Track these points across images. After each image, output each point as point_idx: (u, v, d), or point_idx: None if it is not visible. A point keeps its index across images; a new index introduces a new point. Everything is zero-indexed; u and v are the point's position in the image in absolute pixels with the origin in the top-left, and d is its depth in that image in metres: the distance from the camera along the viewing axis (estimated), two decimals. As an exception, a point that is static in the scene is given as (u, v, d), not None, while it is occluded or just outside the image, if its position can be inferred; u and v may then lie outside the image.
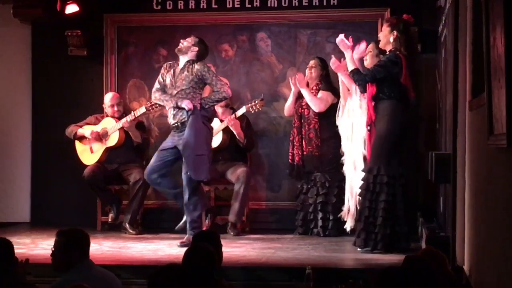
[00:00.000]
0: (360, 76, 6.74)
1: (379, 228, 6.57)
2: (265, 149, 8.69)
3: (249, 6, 8.69)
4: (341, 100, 7.59)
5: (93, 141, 8.26)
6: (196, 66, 7.30)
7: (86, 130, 8.30)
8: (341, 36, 7.06)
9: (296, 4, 8.62)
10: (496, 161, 3.99)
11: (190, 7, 8.79)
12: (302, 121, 8.03)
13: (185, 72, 7.29)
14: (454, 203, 5.76)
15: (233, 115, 8.16)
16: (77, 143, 8.36)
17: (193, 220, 7.30)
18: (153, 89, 7.45)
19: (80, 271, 4.33)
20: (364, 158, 7.15)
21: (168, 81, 7.36)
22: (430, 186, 7.66)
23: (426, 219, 7.26)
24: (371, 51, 7.22)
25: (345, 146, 7.50)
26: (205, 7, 8.76)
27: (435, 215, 7.47)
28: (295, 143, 8.05)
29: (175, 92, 7.29)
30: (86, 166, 8.24)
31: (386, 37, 6.78)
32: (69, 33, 8.75)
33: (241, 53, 8.79)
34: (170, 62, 7.50)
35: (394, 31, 6.72)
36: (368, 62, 7.18)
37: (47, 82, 8.98)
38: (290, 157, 8.09)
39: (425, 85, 8.38)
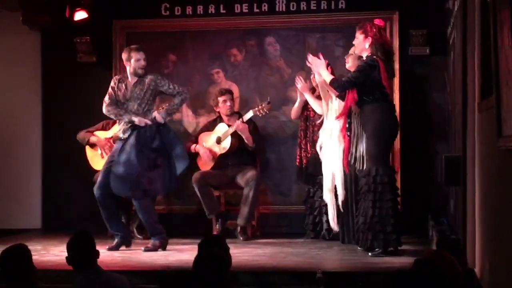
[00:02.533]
0: (339, 84, 6.79)
1: (394, 227, 6.61)
2: (275, 153, 8.69)
3: (257, 10, 8.70)
4: (323, 102, 7.58)
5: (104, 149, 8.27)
6: (149, 76, 7.35)
7: (99, 138, 8.29)
8: (310, 56, 7.07)
9: (304, 8, 8.63)
10: (505, 163, 3.99)
11: (198, 12, 8.81)
12: (308, 123, 8.04)
13: (139, 86, 7.31)
14: (464, 205, 5.76)
15: (241, 119, 8.17)
16: (87, 148, 8.37)
17: (152, 224, 7.34)
18: (105, 103, 7.40)
19: (86, 277, 4.36)
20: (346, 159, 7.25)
21: (120, 96, 7.36)
22: (441, 189, 7.65)
23: (436, 221, 7.25)
24: (352, 54, 7.26)
25: (324, 147, 7.53)
26: (213, 12, 8.78)
27: (445, 218, 7.46)
28: (302, 146, 8.07)
29: (131, 106, 7.30)
30: (96, 171, 8.26)
31: (361, 44, 6.81)
32: (78, 40, 8.81)
33: (249, 58, 8.80)
34: (119, 76, 7.48)
35: (368, 37, 6.75)
36: (350, 65, 7.29)
37: (56, 89, 9.01)
38: (297, 160, 8.10)
39: (434, 88, 8.38)
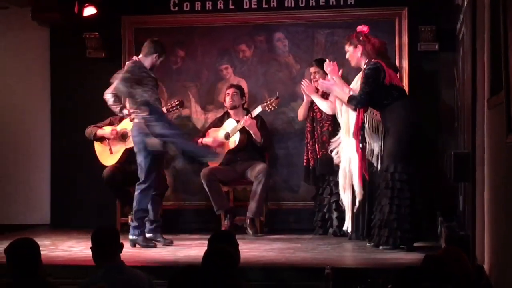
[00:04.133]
0: (357, 100, 6.82)
1: (411, 226, 6.64)
2: (283, 149, 8.68)
3: (266, 6, 8.69)
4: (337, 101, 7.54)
5: (113, 141, 8.26)
6: None
7: (106, 131, 8.30)
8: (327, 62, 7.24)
9: (313, 4, 8.61)
10: (515, 159, 3.97)
11: (207, 8, 8.80)
12: (315, 124, 8.02)
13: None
14: (473, 202, 5.74)
15: (249, 115, 8.16)
16: (96, 144, 8.37)
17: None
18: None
19: (107, 272, 4.36)
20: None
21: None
22: (449, 185, 7.64)
23: (445, 218, 7.24)
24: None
25: (343, 147, 7.51)
26: (222, 8, 8.77)
27: (454, 214, 7.44)
28: (308, 147, 8.05)
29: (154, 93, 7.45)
30: (105, 167, 8.26)
31: (354, 55, 6.95)
32: (87, 36, 8.82)
33: (258, 54, 8.79)
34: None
35: (358, 46, 6.87)
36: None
37: (65, 85, 9.03)
38: (305, 161, 8.09)
39: (443, 84, 8.36)
